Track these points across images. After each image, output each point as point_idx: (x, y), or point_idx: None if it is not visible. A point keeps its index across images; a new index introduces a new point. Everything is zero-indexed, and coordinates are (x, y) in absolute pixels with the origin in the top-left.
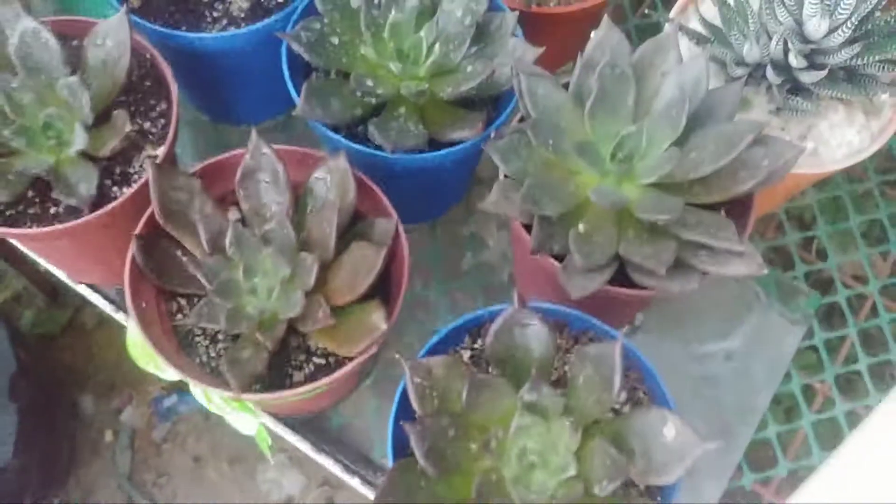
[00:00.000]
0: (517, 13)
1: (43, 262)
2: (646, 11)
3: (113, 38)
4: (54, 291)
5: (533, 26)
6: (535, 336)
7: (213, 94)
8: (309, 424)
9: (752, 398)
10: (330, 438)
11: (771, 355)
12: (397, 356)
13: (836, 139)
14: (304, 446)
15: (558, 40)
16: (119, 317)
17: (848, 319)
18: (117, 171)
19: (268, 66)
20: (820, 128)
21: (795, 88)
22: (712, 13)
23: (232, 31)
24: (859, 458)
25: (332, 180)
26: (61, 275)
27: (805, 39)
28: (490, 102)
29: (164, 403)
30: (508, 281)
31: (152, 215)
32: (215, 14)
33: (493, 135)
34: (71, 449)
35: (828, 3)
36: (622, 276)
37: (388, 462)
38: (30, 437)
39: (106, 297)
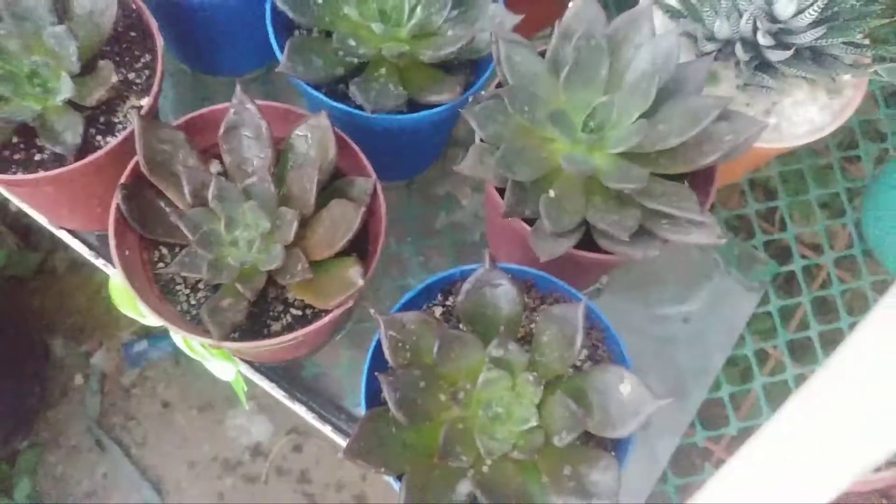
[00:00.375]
0: None
1: (19, 205)
2: None
3: None
4: (26, 234)
5: None
6: (504, 295)
7: (196, 45)
8: (284, 372)
9: (707, 360)
10: (304, 387)
11: (727, 319)
12: (372, 311)
13: (799, 116)
14: (279, 394)
15: (538, 6)
16: (98, 263)
17: (802, 288)
18: (102, 120)
19: (251, 19)
20: (784, 104)
21: (762, 65)
22: None
23: None
24: (802, 418)
25: (314, 137)
26: (41, 219)
27: (774, 19)
28: (469, 66)
29: (134, 349)
30: (480, 240)
31: (137, 166)
32: None
33: (470, 99)
34: (41, 391)
35: None
36: (589, 240)
37: (361, 411)
38: (3, 382)
39: (85, 243)
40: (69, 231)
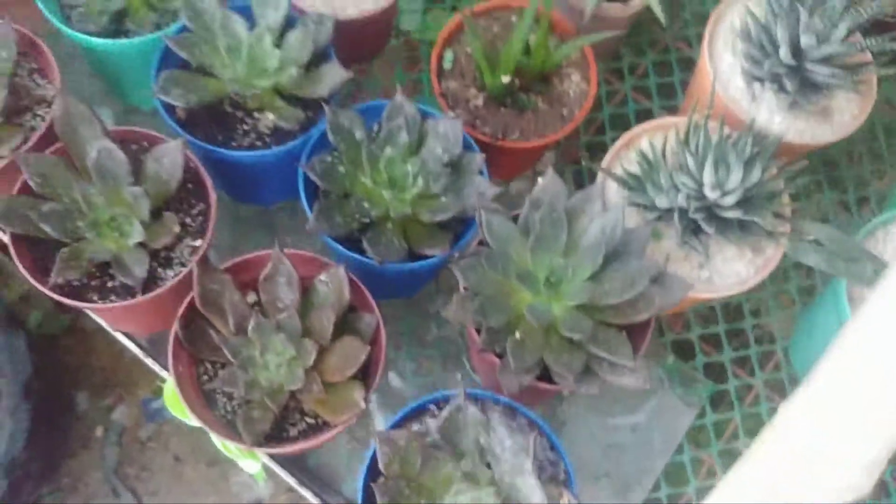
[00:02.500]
0: (484, 156)
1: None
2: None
3: (169, 158)
4: None
5: (498, 151)
6: (474, 421)
7: (237, 185)
8: (295, 460)
9: (649, 464)
10: (310, 474)
11: (669, 430)
12: (372, 430)
13: (728, 270)
14: (292, 481)
15: (517, 160)
16: (148, 361)
17: (735, 405)
18: (163, 255)
19: (285, 170)
20: (716, 259)
21: (696, 231)
22: (635, 166)
23: (260, 151)
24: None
25: (332, 284)
26: (101, 321)
27: (704, 198)
28: (458, 222)
29: (152, 405)
30: (464, 350)
31: (192, 300)
32: (245, 128)
33: (457, 254)
34: (63, 441)
35: (720, 176)
36: (546, 372)
37: (357, 495)
38: (36, 433)
39: (138, 345)
40: (125, 333)
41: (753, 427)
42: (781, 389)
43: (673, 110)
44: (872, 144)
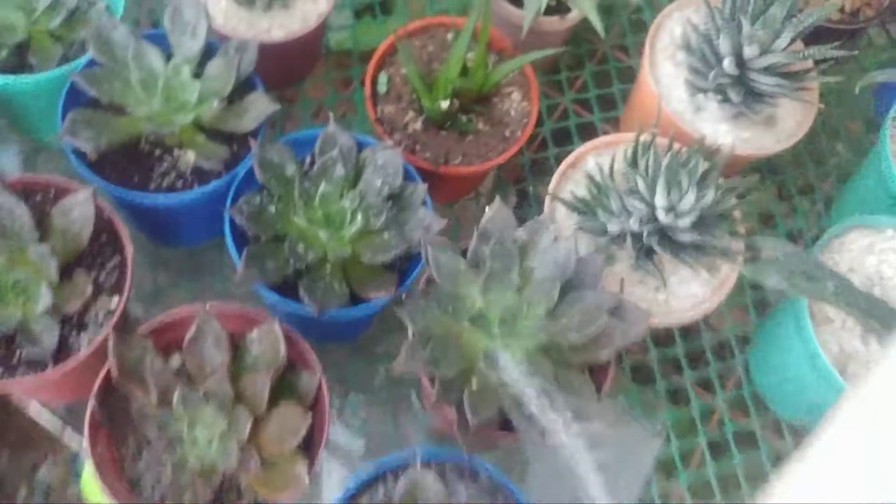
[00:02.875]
0: (426, 186)
1: None
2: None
3: (79, 210)
4: None
5: (441, 177)
6: (432, 489)
7: (157, 228)
8: None
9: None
10: None
11: (635, 463)
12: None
13: (684, 291)
14: None
15: (460, 185)
16: (65, 433)
17: (699, 430)
18: (76, 320)
19: (210, 211)
20: (671, 281)
21: (649, 254)
22: (583, 188)
23: (181, 193)
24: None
25: (266, 341)
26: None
27: (657, 221)
28: (404, 258)
29: (81, 463)
30: (416, 390)
31: (109, 371)
32: (164, 167)
33: (404, 295)
34: None
35: (673, 198)
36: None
37: None
38: None
39: (53, 413)
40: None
41: (719, 452)
42: (745, 408)
43: (614, 122)
44: (816, 147)
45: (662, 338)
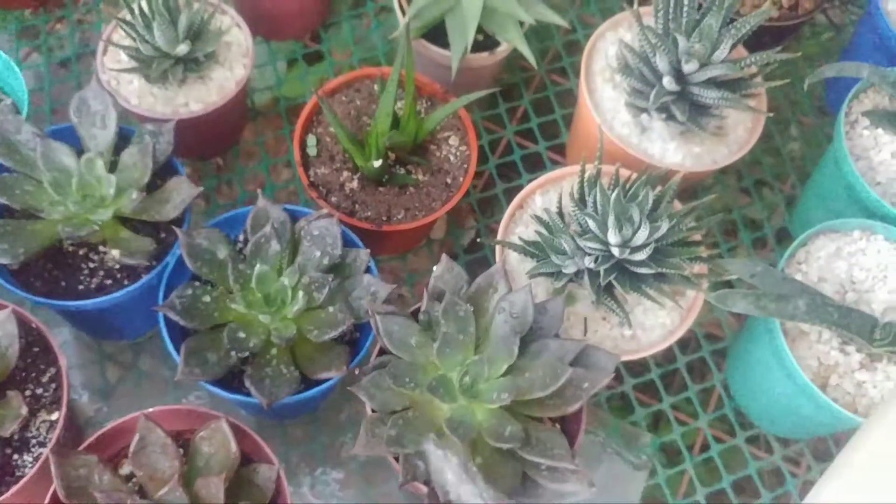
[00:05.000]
0: (368, 251)
1: None
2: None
3: (3, 330)
4: None
5: (385, 236)
6: None
7: (93, 327)
8: None
9: None
10: None
11: (621, 499)
12: None
13: (651, 321)
14: None
15: (407, 238)
16: None
17: (685, 454)
18: (16, 438)
19: (145, 305)
20: (636, 312)
21: (609, 289)
22: (532, 231)
23: (110, 295)
24: None
25: (216, 440)
26: None
27: (612, 257)
28: (353, 329)
29: None
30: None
31: (55, 493)
32: (91, 266)
33: (357, 371)
34: None
35: (625, 234)
36: None
37: None
38: None
39: None
40: None
41: (707, 476)
42: (729, 426)
43: (560, 148)
44: (771, 146)
45: (636, 366)
